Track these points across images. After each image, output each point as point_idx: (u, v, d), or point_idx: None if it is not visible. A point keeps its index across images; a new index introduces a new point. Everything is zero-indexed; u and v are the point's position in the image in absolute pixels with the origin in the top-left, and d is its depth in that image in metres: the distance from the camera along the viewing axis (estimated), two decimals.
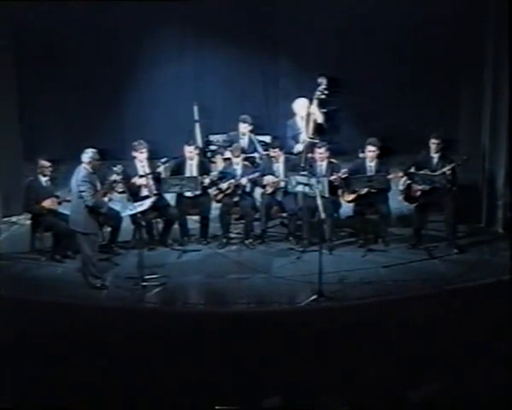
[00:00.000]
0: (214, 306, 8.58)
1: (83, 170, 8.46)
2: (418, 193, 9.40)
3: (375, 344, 6.62)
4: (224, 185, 9.61)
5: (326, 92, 10.27)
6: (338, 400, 5.72)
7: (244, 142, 10.37)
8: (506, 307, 6.82)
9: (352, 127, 12.17)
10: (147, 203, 8.82)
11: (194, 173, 9.61)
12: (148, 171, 9.44)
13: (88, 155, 8.47)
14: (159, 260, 9.23)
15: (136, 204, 8.70)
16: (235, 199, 9.66)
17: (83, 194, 8.38)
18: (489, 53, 9.76)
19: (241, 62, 12.68)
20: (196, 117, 12.03)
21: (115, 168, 8.69)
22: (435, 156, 9.44)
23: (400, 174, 9.53)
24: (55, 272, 8.99)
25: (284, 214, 9.83)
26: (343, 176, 9.34)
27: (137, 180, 9.38)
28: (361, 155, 9.89)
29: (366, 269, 8.87)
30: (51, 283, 8.73)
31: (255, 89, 12.70)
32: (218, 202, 9.71)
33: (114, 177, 8.65)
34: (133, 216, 8.82)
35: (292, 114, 10.46)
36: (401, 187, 9.60)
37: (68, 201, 8.96)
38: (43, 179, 9.31)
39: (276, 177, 9.68)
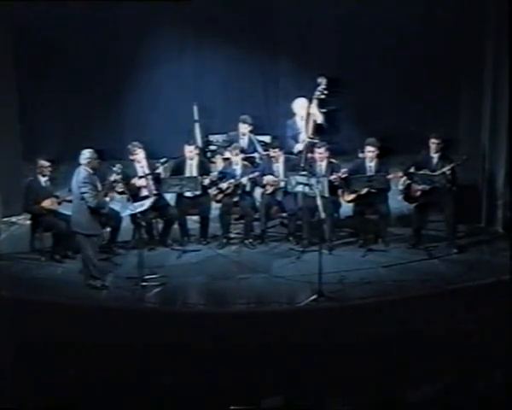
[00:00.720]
0: (214, 306, 8.58)
1: (83, 171, 8.43)
2: (418, 193, 9.39)
3: (374, 344, 6.63)
4: (223, 185, 9.60)
5: (326, 92, 10.27)
6: (338, 400, 5.72)
7: (244, 142, 10.37)
8: (506, 307, 6.83)
9: (352, 127, 12.14)
10: (147, 204, 8.81)
11: (194, 173, 9.61)
12: (147, 171, 9.42)
13: (85, 155, 8.44)
14: (159, 260, 9.22)
15: (136, 204, 8.69)
16: (235, 199, 9.65)
17: (84, 195, 8.35)
18: (489, 53, 9.75)
19: (241, 62, 12.66)
20: (196, 117, 12.01)
21: (114, 168, 8.69)
22: (435, 156, 9.44)
23: (400, 174, 9.53)
24: (55, 272, 8.98)
25: (284, 214, 9.81)
26: (343, 176, 9.33)
27: (137, 181, 9.38)
28: (361, 155, 9.88)
29: (366, 269, 8.86)
30: (51, 283, 8.71)
31: (255, 89, 12.68)
32: (217, 202, 9.69)
33: (114, 176, 8.65)
34: (133, 216, 8.82)
35: (292, 114, 10.46)
36: (401, 187, 9.58)
37: (68, 201, 8.94)
38: (43, 179, 9.29)
39: (276, 177, 9.67)
